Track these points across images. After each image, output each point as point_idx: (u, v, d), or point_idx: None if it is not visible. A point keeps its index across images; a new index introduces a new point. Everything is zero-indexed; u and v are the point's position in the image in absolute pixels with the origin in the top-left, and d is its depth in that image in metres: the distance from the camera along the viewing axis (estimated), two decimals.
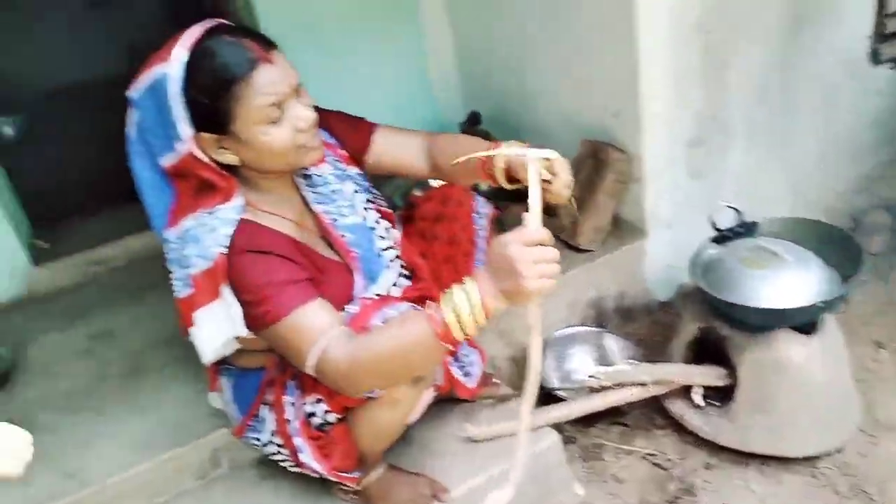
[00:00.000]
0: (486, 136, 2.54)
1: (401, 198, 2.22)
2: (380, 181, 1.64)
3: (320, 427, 1.35)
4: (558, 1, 2.09)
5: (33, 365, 2.05)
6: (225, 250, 1.20)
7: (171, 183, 1.30)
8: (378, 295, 1.38)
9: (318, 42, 2.56)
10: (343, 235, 1.40)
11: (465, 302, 1.06)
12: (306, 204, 1.40)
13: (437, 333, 1.07)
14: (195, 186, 1.27)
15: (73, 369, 1.99)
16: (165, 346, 1.98)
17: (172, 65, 1.17)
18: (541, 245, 1.03)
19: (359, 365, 1.14)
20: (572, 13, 2.05)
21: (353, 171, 1.49)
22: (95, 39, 4.69)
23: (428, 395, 1.48)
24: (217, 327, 1.27)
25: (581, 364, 1.95)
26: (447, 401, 1.69)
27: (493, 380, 1.80)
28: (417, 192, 2.01)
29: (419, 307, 1.36)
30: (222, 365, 1.50)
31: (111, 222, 2.71)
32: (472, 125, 2.63)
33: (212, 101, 1.17)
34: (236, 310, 1.22)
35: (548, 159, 1.17)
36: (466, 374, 1.62)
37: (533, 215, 1.06)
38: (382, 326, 1.19)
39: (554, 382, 1.88)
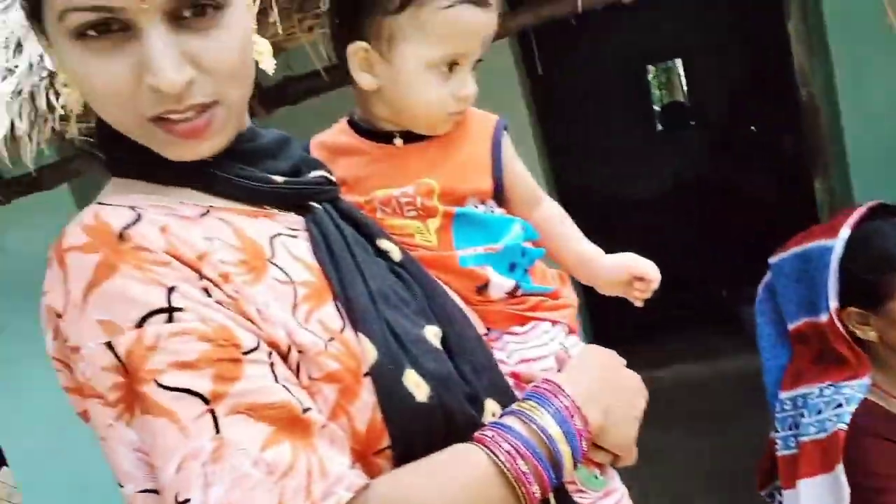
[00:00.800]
0: None
1: None
2: None
3: None
4: None
5: None
6: (845, 427, 1.21)
7: (790, 344, 1.37)
8: None
9: None
10: None
11: None
12: None
13: None
14: (815, 353, 1.31)
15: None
16: (707, 479, 2.05)
17: (837, 240, 1.24)
18: None
19: None
20: None
21: None
22: (652, 163, 5.33)
23: None
24: (819, 499, 1.27)
25: None
26: None
27: None
28: None
29: None
30: None
31: (658, 349, 2.96)
32: None
33: (873, 277, 1.20)
34: (846, 490, 1.20)
35: None
36: None
37: None
38: None
39: None
